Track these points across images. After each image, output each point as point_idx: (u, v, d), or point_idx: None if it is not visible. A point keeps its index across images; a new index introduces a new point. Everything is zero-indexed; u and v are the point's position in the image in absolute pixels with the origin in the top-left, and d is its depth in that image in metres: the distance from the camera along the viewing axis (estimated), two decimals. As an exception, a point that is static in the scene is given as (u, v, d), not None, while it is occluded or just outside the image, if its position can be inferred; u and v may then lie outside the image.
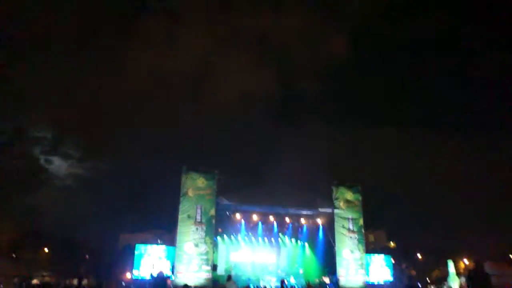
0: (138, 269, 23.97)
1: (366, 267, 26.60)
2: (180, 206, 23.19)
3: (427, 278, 43.59)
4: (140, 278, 23.41)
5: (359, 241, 26.58)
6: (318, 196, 28.03)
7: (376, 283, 27.34)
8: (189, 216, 23.08)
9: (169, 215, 26.90)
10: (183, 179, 23.71)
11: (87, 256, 49.86)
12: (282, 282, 11.31)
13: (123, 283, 26.94)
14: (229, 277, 14.48)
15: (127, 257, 35.14)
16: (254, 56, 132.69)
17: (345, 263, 25.78)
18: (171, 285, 20.26)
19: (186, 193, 23.43)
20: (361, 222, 27.11)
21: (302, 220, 28.68)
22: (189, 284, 20.71)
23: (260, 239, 30.02)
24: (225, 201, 25.41)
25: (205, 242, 22.99)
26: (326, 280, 26.66)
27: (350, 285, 24.65)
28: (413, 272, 43.61)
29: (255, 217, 27.93)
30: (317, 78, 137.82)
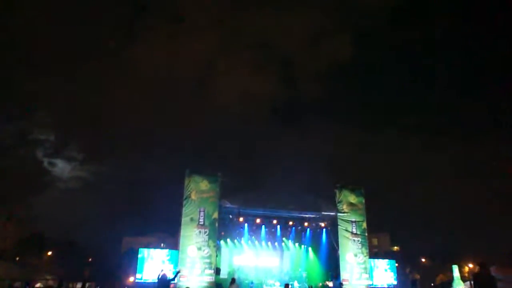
0: (141, 272, 23.94)
1: (370, 271, 26.46)
2: (183, 209, 23.17)
3: (432, 283, 43.27)
4: (143, 281, 23.36)
5: (362, 244, 26.45)
6: (321, 199, 27.99)
7: (380, 286, 27.18)
8: (192, 219, 23.05)
9: (172, 219, 26.93)
10: (186, 182, 23.70)
11: (90, 260, 49.87)
12: (287, 286, 11.21)
13: (126, 287, 26.86)
14: (232, 280, 14.43)
15: (130, 261, 35.14)
16: (256, 57, 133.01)
17: (348, 267, 25.64)
18: (174, 288, 20.18)
19: (189, 196, 23.42)
20: (364, 225, 27.00)
21: (305, 224, 28.56)
22: (192, 287, 20.71)
23: (263, 242, 29.91)
24: (228, 204, 25.39)
25: (208, 246, 22.93)
26: (330, 284, 26.53)
27: (354, 289, 24.49)
28: (417, 276, 43.27)
29: (258, 220, 27.84)
30: (320, 80, 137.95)
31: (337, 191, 27.07)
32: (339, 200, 26.85)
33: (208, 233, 23.13)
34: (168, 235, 61.78)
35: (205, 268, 22.52)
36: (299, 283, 27.65)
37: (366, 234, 27.15)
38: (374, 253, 43.91)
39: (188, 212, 23.14)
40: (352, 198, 27.21)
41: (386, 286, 27.59)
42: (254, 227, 28.64)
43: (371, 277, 26.39)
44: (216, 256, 23.79)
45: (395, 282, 28.20)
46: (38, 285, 26.15)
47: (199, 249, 22.68)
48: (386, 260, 30.12)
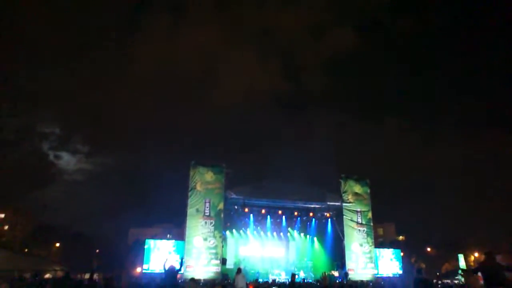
0: (148, 263, 24.17)
1: (375, 260, 26.56)
2: (189, 200, 23.32)
3: (437, 272, 43.34)
4: (150, 272, 23.58)
5: (367, 234, 26.53)
6: (326, 189, 28.03)
7: (385, 276, 27.28)
8: (197, 210, 23.20)
9: (178, 210, 27.09)
10: (191, 173, 23.80)
11: (97, 251, 50.37)
12: (293, 276, 11.28)
13: (133, 278, 27.14)
14: (238, 270, 14.50)
15: (137, 252, 35.47)
16: (259, 49, 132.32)
17: (354, 256, 25.75)
18: (181, 279, 20.37)
19: (194, 187, 23.53)
20: (369, 215, 27.06)
21: (311, 214, 28.63)
22: (198, 277, 20.88)
23: (268, 233, 30.05)
24: (233, 195, 25.49)
25: (214, 236, 23.10)
26: (336, 273, 26.65)
27: (360, 278, 24.61)
28: (423, 265, 43.38)
29: (263, 211, 27.95)
30: (323, 70, 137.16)
31: (342, 182, 27.12)
32: (344, 190, 26.89)
33: (214, 223, 23.28)
34: (173, 226, 62.24)
35: (211, 259, 22.72)
36: (305, 273, 27.81)
37: (372, 224, 27.22)
38: (379, 243, 44.08)
39: (194, 203, 23.27)
40: (357, 188, 27.24)
41: (391, 275, 27.67)
42: (259, 218, 28.77)
43: (376, 266, 26.50)
44: (222, 246, 23.97)
45: (400, 271, 28.28)
46: (47, 275, 26.44)
47: (205, 239, 22.84)
48: (391, 250, 30.20)
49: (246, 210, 27.22)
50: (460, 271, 24.24)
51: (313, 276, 27.72)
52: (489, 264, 8.07)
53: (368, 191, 27.66)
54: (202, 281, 20.64)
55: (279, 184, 27.14)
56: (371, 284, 21.77)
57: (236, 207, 26.77)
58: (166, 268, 11.89)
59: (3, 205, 77.83)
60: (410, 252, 44.78)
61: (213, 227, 23.23)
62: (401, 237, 63.27)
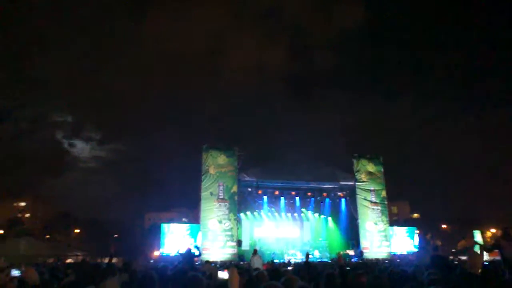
0: (163, 247, 24.69)
1: (390, 239, 26.60)
2: (202, 184, 23.55)
3: (453, 249, 43.27)
4: (167, 255, 24.06)
5: (382, 212, 26.51)
6: (339, 169, 27.97)
7: (399, 254, 27.34)
8: (211, 194, 23.43)
9: (192, 193, 27.41)
10: (204, 157, 23.96)
11: (116, 236, 51.53)
12: (307, 255, 11.39)
13: (151, 261, 27.73)
14: (255, 251, 14.72)
15: (153, 236, 36.15)
16: (267, 27, 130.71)
17: (368, 235, 25.83)
18: (198, 262, 20.76)
19: (207, 171, 23.72)
20: (383, 193, 26.98)
21: (324, 194, 28.67)
22: (215, 260, 21.24)
23: (283, 214, 30.22)
24: (246, 178, 25.64)
25: (229, 219, 23.37)
26: (351, 252, 26.80)
27: (375, 256, 24.72)
28: (439, 242, 43.33)
29: (276, 192, 28.08)
30: (332, 48, 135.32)
31: (354, 161, 27.00)
32: (357, 169, 26.79)
33: (228, 206, 23.53)
34: (188, 209, 63.12)
35: (227, 241, 23.05)
36: (320, 252, 28.03)
37: (386, 202, 27.17)
38: (393, 221, 44.00)
39: (207, 186, 23.50)
40: (370, 167, 27.10)
41: (405, 253, 27.71)
42: (273, 199, 28.92)
43: (391, 244, 26.56)
44: (237, 228, 24.27)
45: (414, 249, 28.29)
46: (69, 260, 27.24)
47: (220, 222, 23.13)
48: (405, 228, 30.17)
49: (260, 191, 27.38)
50: (477, 246, 24.10)
51: (328, 255, 27.92)
52: (507, 240, 7.97)
53: (382, 169, 27.51)
54: (219, 263, 20.99)
55: (292, 165, 27.18)
56: (386, 262, 21.83)
57: (249, 189, 26.93)
58: (183, 251, 12.09)
59: (23, 194, 79.81)
60: (425, 229, 44.71)
61: (227, 209, 23.48)
62: (415, 215, 63.18)
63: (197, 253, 11.91)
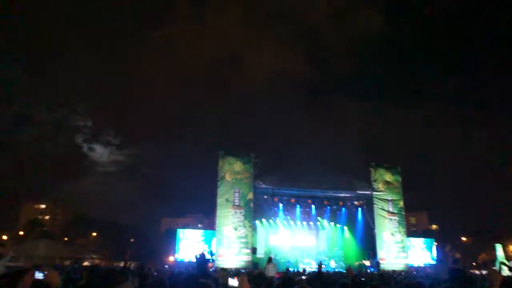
0: (178, 252, 24.81)
1: (407, 250, 26.10)
2: (218, 190, 23.61)
3: (473, 262, 42.13)
4: (181, 260, 24.16)
5: (399, 223, 26.07)
6: (356, 178, 27.69)
7: (416, 266, 26.76)
8: (227, 200, 23.46)
9: (208, 200, 27.51)
10: (220, 163, 24.04)
11: (132, 240, 52.02)
12: (320, 265, 11.23)
13: (166, 266, 27.91)
14: (269, 259, 14.64)
15: (169, 241, 36.35)
16: (283, 35, 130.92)
17: (385, 245, 25.41)
18: (213, 268, 20.77)
19: (223, 177, 23.78)
20: (401, 203, 26.55)
21: (340, 203, 28.38)
22: (229, 266, 21.18)
23: (298, 222, 30.01)
24: (262, 185, 25.60)
25: (244, 226, 23.33)
26: (367, 263, 26.39)
27: (391, 268, 24.28)
28: (458, 255, 42.25)
29: (292, 200, 27.94)
30: (349, 55, 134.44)
31: (372, 170, 26.70)
32: (374, 179, 26.47)
33: (244, 213, 23.50)
34: (204, 215, 63.30)
35: (242, 248, 22.99)
36: (335, 262, 27.69)
37: (403, 213, 26.72)
38: (411, 232, 43.22)
39: (223, 193, 23.55)
40: (388, 177, 26.74)
41: (423, 265, 27.09)
42: (288, 207, 28.77)
43: (408, 256, 26.05)
44: (252, 235, 24.21)
45: (432, 262, 27.65)
46: (85, 263, 27.62)
47: (235, 229, 23.11)
48: (422, 239, 29.56)
49: (276, 199, 27.30)
50: (498, 264, 23.43)
51: (343, 265, 27.55)
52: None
53: (400, 179, 27.10)
54: (233, 269, 20.93)
55: (308, 173, 27.07)
56: (403, 274, 21.40)
57: (265, 196, 26.87)
58: (197, 258, 12.10)
59: (43, 196, 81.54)
60: (444, 241, 43.68)
61: (243, 216, 23.46)
62: (434, 226, 61.87)
63: (209, 257, 11.88)
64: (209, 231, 25.52)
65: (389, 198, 26.27)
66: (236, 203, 23.55)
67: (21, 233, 51.85)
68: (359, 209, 28.62)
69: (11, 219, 69.36)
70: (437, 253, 28.76)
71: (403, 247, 25.74)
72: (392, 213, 26.06)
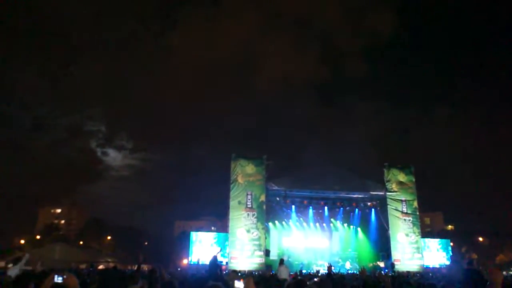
0: (191, 255, 24.91)
1: (422, 251, 25.77)
2: (231, 193, 23.68)
3: (490, 263, 41.35)
4: (194, 263, 24.24)
5: (413, 223, 25.76)
6: (369, 179, 27.46)
7: (432, 267, 26.37)
8: (239, 203, 23.50)
9: (221, 202, 27.61)
10: (232, 166, 24.11)
11: (146, 243, 52.45)
12: (329, 267, 11.13)
13: (179, 269, 28.04)
14: (281, 261, 14.54)
15: (182, 244, 36.56)
16: (296, 37, 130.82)
17: (400, 246, 25.12)
18: (225, 271, 20.80)
19: (236, 180, 23.84)
20: (415, 204, 26.24)
21: (353, 204, 28.17)
22: (243, 269, 21.19)
23: (311, 223, 29.89)
24: (274, 187, 25.58)
25: (257, 228, 23.33)
26: (381, 264, 26.14)
27: (406, 269, 23.97)
28: (474, 256, 41.51)
29: (305, 201, 27.84)
30: (362, 57, 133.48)
31: (385, 170, 26.45)
32: (388, 179, 26.22)
33: (256, 215, 23.50)
34: (217, 218, 63.45)
35: (255, 250, 22.98)
36: (350, 264, 27.50)
37: (418, 213, 26.39)
38: (426, 233, 42.61)
39: (236, 195, 23.60)
40: (402, 177, 26.47)
41: (438, 266, 26.68)
42: (301, 209, 28.69)
43: (422, 257, 25.72)
44: (265, 238, 24.17)
45: (447, 262, 27.22)
46: (100, 267, 27.95)
47: (248, 231, 23.12)
48: (437, 240, 29.14)
49: (288, 201, 27.24)
50: None
51: (358, 267, 27.32)
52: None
53: (413, 179, 26.79)
54: (246, 272, 20.92)
55: (320, 174, 26.89)
56: (418, 275, 21.10)
57: (277, 198, 26.85)
58: (210, 260, 12.15)
59: (60, 201, 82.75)
60: (460, 242, 42.95)
61: (255, 218, 23.46)
62: (450, 227, 60.96)
63: (221, 259, 11.91)
64: (222, 234, 25.59)
65: (403, 199, 25.99)
66: (249, 205, 23.58)
67: (38, 237, 52.73)
68: (373, 210, 28.38)
69: (29, 223, 70.73)
70: (452, 254, 28.30)
71: (417, 248, 25.42)
72: (406, 213, 25.77)
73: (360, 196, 27.56)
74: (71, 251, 30.84)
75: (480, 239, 45.43)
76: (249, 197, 23.75)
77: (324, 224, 30.22)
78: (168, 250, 46.79)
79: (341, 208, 28.98)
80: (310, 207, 28.55)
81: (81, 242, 50.18)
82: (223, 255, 15.48)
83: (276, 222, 29.36)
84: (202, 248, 24.70)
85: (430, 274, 22.25)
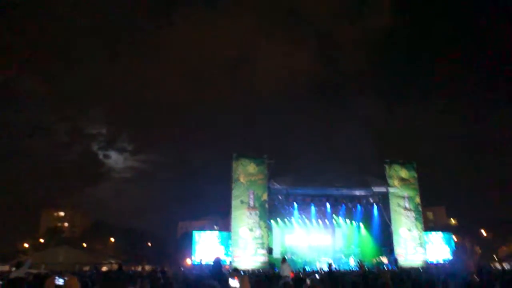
0: (194, 255, 24.97)
1: (425, 245, 25.79)
2: (233, 192, 23.74)
3: (494, 256, 41.31)
4: (198, 263, 24.29)
5: (416, 219, 25.80)
6: (370, 175, 27.45)
7: (436, 262, 26.35)
8: (242, 202, 23.57)
9: (223, 202, 27.64)
10: (234, 165, 24.17)
11: (149, 244, 52.56)
12: (330, 265, 11.19)
13: (182, 269, 28.12)
14: (283, 260, 14.63)
15: (185, 244, 36.65)
16: (293, 33, 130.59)
17: (402, 242, 25.17)
18: (229, 270, 20.86)
19: (238, 179, 23.90)
20: (417, 199, 26.27)
21: (356, 200, 28.18)
22: (246, 267, 21.23)
23: (313, 221, 29.90)
24: (276, 185, 25.60)
25: (259, 226, 23.40)
26: (384, 260, 26.15)
27: (409, 264, 24.02)
28: (478, 249, 41.50)
29: (307, 199, 27.85)
30: (360, 52, 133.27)
31: (386, 167, 26.47)
32: (389, 175, 26.26)
33: (259, 214, 23.58)
34: (219, 217, 63.53)
35: (258, 248, 23.06)
36: (354, 259, 27.52)
37: (420, 209, 26.42)
38: (429, 227, 42.58)
39: (238, 194, 23.65)
40: (403, 173, 26.48)
41: (441, 261, 26.62)
42: (303, 206, 28.67)
43: (426, 252, 25.73)
44: (268, 236, 24.24)
45: (451, 257, 27.21)
46: (104, 268, 28.08)
47: (251, 230, 23.19)
48: (440, 234, 29.12)
49: (290, 199, 27.24)
50: None
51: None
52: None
53: (415, 175, 26.81)
54: (250, 270, 20.97)
55: (322, 171, 26.92)
56: (421, 270, 21.14)
57: (279, 196, 26.86)
58: (214, 260, 12.21)
59: (63, 204, 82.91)
60: (463, 235, 42.92)
61: (258, 217, 23.54)
62: (453, 221, 60.91)
63: (224, 258, 11.97)
64: (225, 233, 25.65)
65: (405, 195, 26.02)
66: (251, 205, 23.64)
67: (42, 240, 52.90)
68: (375, 206, 28.38)
69: (32, 227, 70.89)
70: (456, 248, 28.27)
71: (420, 243, 25.47)
72: (408, 209, 25.81)
73: (362, 192, 27.53)
74: (74, 254, 31.00)
75: (483, 232, 45.30)
76: (251, 196, 23.83)
77: (327, 221, 30.22)
78: (172, 251, 46.90)
79: (343, 205, 28.99)
80: (312, 204, 28.55)
81: (84, 245, 50.35)
82: (226, 254, 15.56)
83: (279, 220, 29.39)
84: (205, 247, 24.75)
85: (434, 269, 22.28)
